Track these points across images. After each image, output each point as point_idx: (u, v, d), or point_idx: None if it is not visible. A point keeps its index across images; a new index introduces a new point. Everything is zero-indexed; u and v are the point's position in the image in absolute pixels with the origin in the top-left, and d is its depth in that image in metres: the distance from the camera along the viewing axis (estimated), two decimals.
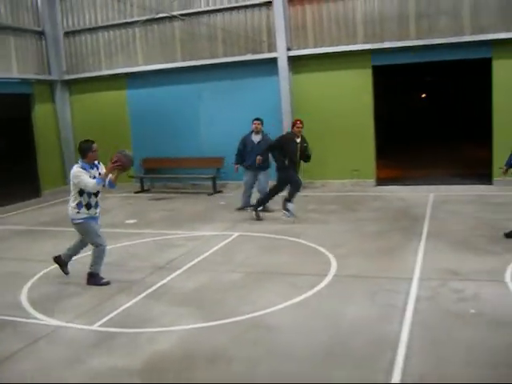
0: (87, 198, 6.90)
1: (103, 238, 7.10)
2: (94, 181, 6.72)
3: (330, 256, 7.78)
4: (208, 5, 14.72)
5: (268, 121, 11.98)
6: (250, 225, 10.24)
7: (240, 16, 14.49)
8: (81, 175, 6.74)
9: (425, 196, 11.96)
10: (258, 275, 7.16)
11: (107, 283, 6.99)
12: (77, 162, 6.97)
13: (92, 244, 7.07)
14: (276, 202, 10.84)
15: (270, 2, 13.95)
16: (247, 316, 5.71)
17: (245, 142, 11.44)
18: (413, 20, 13.13)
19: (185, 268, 7.63)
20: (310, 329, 5.35)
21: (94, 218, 7.05)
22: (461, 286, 6.31)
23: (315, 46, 13.87)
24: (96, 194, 6.97)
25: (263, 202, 10.88)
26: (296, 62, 14.03)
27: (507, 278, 6.45)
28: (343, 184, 13.91)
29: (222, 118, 14.81)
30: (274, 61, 13.97)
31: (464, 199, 11.56)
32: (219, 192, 14.37)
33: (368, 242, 8.58)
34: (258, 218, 10.57)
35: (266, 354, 4.89)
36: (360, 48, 13.46)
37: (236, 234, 9.48)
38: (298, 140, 10.28)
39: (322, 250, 8.14)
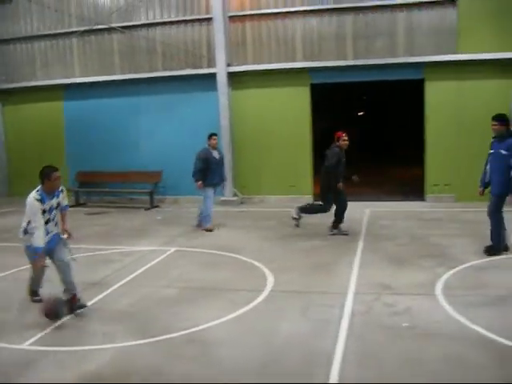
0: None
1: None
2: (41, 240, 5.97)
3: (267, 271, 7.79)
4: (148, 18, 14.67)
5: (207, 136, 11.96)
6: (187, 240, 10.15)
7: (180, 30, 14.50)
8: (35, 214, 6.01)
9: (361, 212, 12.19)
10: (195, 291, 7.08)
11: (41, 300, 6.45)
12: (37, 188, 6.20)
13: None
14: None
15: (211, 18, 14.03)
16: (183, 332, 5.63)
17: (207, 159, 10.92)
18: (350, 40, 13.50)
19: (120, 284, 7.45)
20: (245, 344, 5.32)
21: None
22: (394, 300, 6.43)
23: (254, 63, 14.07)
24: (48, 221, 6.23)
25: (307, 211, 10.39)
26: (235, 78, 14.13)
27: (437, 292, 6.64)
28: (280, 200, 14.02)
29: (160, 132, 14.71)
30: (213, 76, 14.03)
31: (398, 215, 11.86)
32: (156, 207, 14.21)
33: (304, 257, 8.65)
34: (298, 225, 10.25)
35: (201, 370, 4.82)
36: (299, 66, 13.72)
37: (173, 250, 9.37)
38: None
39: (259, 265, 8.14)
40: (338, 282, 7.23)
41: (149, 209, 14.03)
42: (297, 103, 13.92)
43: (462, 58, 12.87)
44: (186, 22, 14.43)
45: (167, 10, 14.53)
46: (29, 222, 6.12)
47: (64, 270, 6.29)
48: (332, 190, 9.81)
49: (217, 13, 13.85)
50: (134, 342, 5.43)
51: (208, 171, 10.87)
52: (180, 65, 14.55)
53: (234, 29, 14.13)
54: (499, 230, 8.25)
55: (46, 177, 6.16)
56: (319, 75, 13.76)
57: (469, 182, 13.04)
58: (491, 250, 8.25)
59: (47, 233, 6.21)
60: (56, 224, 6.45)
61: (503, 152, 7.94)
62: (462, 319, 5.72)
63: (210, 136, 11.18)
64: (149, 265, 8.42)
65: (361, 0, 13.36)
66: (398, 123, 26.70)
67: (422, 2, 13.09)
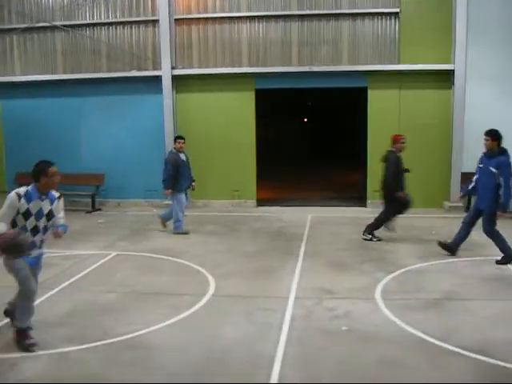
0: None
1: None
2: (4, 229, 5.03)
3: (209, 276, 7.77)
4: (93, 18, 14.40)
5: (151, 139, 11.89)
6: (129, 244, 10.03)
7: (126, 32, 14.32)
8: (5, 204, 5.17)
9: (303, 217, 12.33)
10: (136, 295, 7.00)
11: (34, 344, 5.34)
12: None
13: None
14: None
15: (157, 20, 13.93)
16: (123, 337, 5.55)
17: (177, 164, 10.64)
18: (295, 47, 13.67)
19: (59, 288, 7.28)
20: (186, 348, 5.29)
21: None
22: (334, 304, 6.54)
23: (200, 67, 14.03)
24: (35, 230, 5.37)
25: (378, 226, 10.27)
26: (180, 81, 14.06)
27: (377, 296, 6.79)
28: (224, 204, 14.03)
29: (104, 134, 14.46)
30: (158, 79, 13.92)
31: (340, 220, 12.06)
32: (98, 210, 13.95)
33: (247, 262, 8.68)
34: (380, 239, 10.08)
35: (142, 374, 4.77)
36: (244, 71, 13.78)
37: (114, 253, 9.23)
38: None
39: (201, 269, 8.12)
40: (281, 287, 7.28)
41: (90, 212, 13.76)
42: (241, 108, 13.96)
43: (402, 68, 13.28)
44: (131, 23, 14.25)
45: (113, 10, 14.30)
46: None
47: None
48: (396, 197, 9.80)
49: (163, 15, 13.77)
50: (71, 348, 5.30)
51: (178, 175, 10.62)
52: (125, 66, 14.36)
53: (179, 32, 14.06)
54: (504, 243, 8.30)
55: (42, 172, 5.31)
56: (264, 81, 13.86)
57: (410, 188, 13.39)
58: (508, 260, 8.29)
59: (32, 247, 5.30)
60: (43, 242, 5.53)
61: (492, 170, 8.05)
62: (400, 322, 5.88)
63: (176, 139, 11.00)
64: (89, 269, 8.26)
65: (307, 8, 13.55)
66: (344, 129, 27.10)
67: (366, 13, 13.40)
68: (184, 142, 10.89)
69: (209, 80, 13.98)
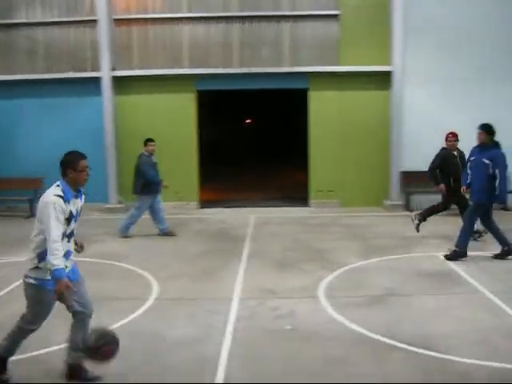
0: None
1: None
2: (57, 264, 4.12)
3: (152, 279, 7.67)
4: (28, 17, 13.99)
5: (90, 141, 11.65)
6: None
7: (63, 32, 13.97)
8: (56, 218, 4.20)
9: (247, 218, 12.35)
10: None
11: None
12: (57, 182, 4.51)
13: (24, 317, 4.63)
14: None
15: (95, 20, 13.65)
16: (62, 345, 5.39)
17: (154, 168, 10.51)
18: (237, 49, 13.67)
19: None
20: (128, 352, 5.18)
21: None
22: (278, 304, 6.57)
23: (140, 68, 13.82)
24: (71, 235, 4.50)
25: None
26: (120, 83, 13.82)
27: (320, 294, 6.87)
28: (166, 207, 13.83)
29: (42, 136, 14.05)
30: (97, 80, 13.65)
31: (283, 221, 12.14)
32: None
33: (190, 264, 8.62)
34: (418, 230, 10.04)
35: None
36: (185, 72, 13.67)
37: None
38: (455, 153, 9.79)
39: (144, 273, 8.00)
40: (224, 288, 7.26)
41: (28, 217, 13.34)
42: (183, 110, 13.85)
43: (343, 70, 13.49)
44: (69, 23, 13.91)
45: (49, 9, 13.94)
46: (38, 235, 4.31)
47: (80, 325, 4.64)
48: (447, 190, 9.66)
49: (101, 15, 13.50)
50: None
51: (155, 179, 10.48)
52: (63, 67, 14.01)
53: (119, 32, 13.84)
54: (500, 234, 8.47)
55: (70, 166, 4.40)
56: (205, 82, 13.81)
57: (352, 187, 13.72)
58: (508, 253, 8.44)
59: (66, 257, 4.38)
60: (70, 253, 4.57)
61: (486, 161, 8.13)
62: (343, 320, 5.96)
63: (147, 142, 10.69)
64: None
65: (248, 9, 13.58)
66: (289, 130, 27.36)
67: (306, 15, 13.54)
68: (155, 144, 10.70)
69: (149, 81, 13.80)
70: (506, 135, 8.78)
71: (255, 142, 30.83)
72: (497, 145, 8.26)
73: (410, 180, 13.42)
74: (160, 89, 13.82)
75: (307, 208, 13.80)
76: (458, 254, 8.38)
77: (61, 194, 4.31)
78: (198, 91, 13.92)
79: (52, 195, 4.29)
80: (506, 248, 8.40)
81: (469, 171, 8.54)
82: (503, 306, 6.36)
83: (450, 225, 10.34)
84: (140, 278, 7.80)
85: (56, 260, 4.10)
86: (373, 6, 13.51)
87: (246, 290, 7.16)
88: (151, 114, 13.90)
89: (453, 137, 9.73)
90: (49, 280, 4.24)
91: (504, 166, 8.16)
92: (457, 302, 6.61)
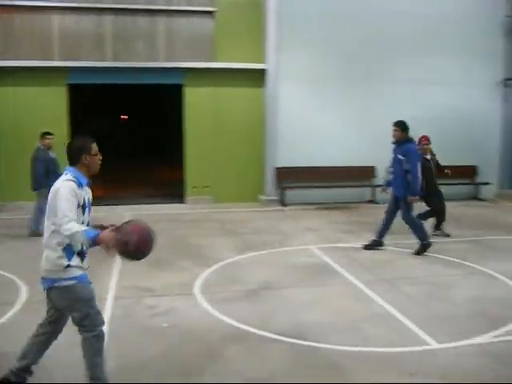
0: None
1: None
2: (82, 229, 3.71)
3: (21, 283, 7.23)
4: None
5: None
6: None
7: None
8: (63, 197, 3.75)
9: (121, 216, 12.02)
10: None
11: None
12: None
13: (80, 325, 4.21)
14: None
15: None
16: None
17: (48, 162, 9.76)
18: (110, 41, 13.28)
19: None
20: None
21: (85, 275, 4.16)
22: (155, 301, 6.50)
23: (7, 59, 12.88)
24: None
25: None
26: None
27: (196, 291, 6.89)
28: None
29: None
30: None
31: (159, 218, 11.98)
32: None
33: None
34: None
35: None
36: (55, 65, 13.02)
37: None
38: (429, 157, 9.69)
39: (13, 277, 7.49)
40: (98, 287, 6.99)
41: None
42: (53, 104, 13.18)
43: (218, 66, 13.55)
44: None
45: None
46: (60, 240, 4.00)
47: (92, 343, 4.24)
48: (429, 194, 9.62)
49: None
50: None
51: (50, 174, 9.61)
52: None
53: None
54: (419, 228, 8.71)
55: (84, 150, 3.99)
56: (77, 76, 13.25)
57: (227, 183, 13.86)
58: (425, 248, 8.63)
59: (83, 255, 4.15)
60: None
61: (400, 157, 8.45)
62: (218, 314, 6.02)
63: (44, 135, 10.03)
64: None
65: (121, 1, 13.22)
66: (166, 126, 27.10)
67: (181, 10, 13.44)
68: (53, 138, 10.10)
69: (17, 73, 12.98)
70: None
71: (136, 137, 30.26)
72: (410, 140, 8.68)
73: (285, 176, 13.82)
74: (28, 81, 12.98)
75: (183, 205, 13.76)
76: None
77: (73, 179, 3.89)
78: (69, 85, 13.35)
79: (62, 181, 3.88)
80: (423, 243, 8.72)
81: (390, 169, 8.96)
82: (373, 295, 6.74)
83: (322, 219, 10.77)
84: (7, 283, 7.35)
85: (75, 228, 3.69)
86: (248, 3, 13.72)
87: (122, 288, 7.01)
88: (20, 108, 12.96)
89: (425, 140, 9.93)
90: (82, 275, 4.07)
91: (415, 161, 8.52)
92: (330, 292, 6.91)
